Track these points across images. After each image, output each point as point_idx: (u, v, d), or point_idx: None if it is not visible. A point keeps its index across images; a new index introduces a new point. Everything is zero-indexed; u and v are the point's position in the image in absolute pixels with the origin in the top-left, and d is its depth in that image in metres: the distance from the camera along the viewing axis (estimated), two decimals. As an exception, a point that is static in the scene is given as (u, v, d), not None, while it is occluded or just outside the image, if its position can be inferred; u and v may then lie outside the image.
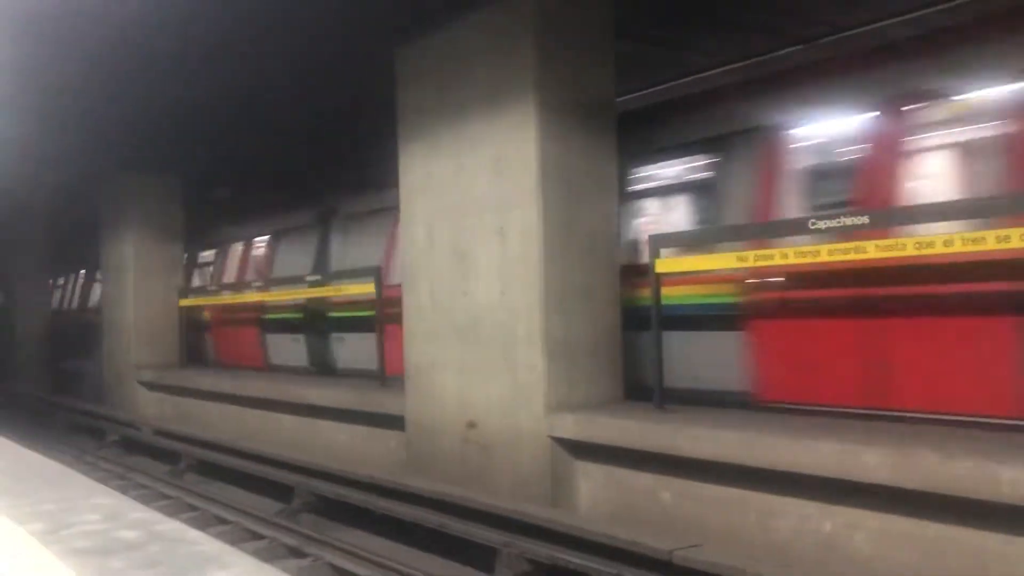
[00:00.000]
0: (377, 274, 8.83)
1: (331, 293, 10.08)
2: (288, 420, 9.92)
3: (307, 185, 12.33)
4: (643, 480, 5.89)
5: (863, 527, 4.71)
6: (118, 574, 3.11)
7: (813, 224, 5.28)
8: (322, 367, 10.96)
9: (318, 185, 11.83)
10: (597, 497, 6.25)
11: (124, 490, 8.87)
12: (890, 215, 5.23)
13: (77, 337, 17.37)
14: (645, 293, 6.29)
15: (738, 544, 5.23)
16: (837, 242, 5.26)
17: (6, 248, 19.63)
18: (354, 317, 9.94)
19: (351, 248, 10.70)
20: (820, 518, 4.91)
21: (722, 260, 5.92)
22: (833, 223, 5.16)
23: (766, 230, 5.94)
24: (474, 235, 6.81)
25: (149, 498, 8.99)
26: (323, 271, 10.75)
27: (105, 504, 4.30)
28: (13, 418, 15.40)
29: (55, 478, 5.16)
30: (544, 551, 5.60)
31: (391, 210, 9.24)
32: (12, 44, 7.88)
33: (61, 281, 20.29)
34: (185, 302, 13.03)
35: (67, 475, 5.39)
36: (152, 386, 13.12)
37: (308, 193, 11.86)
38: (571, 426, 6.15)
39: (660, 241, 6.15)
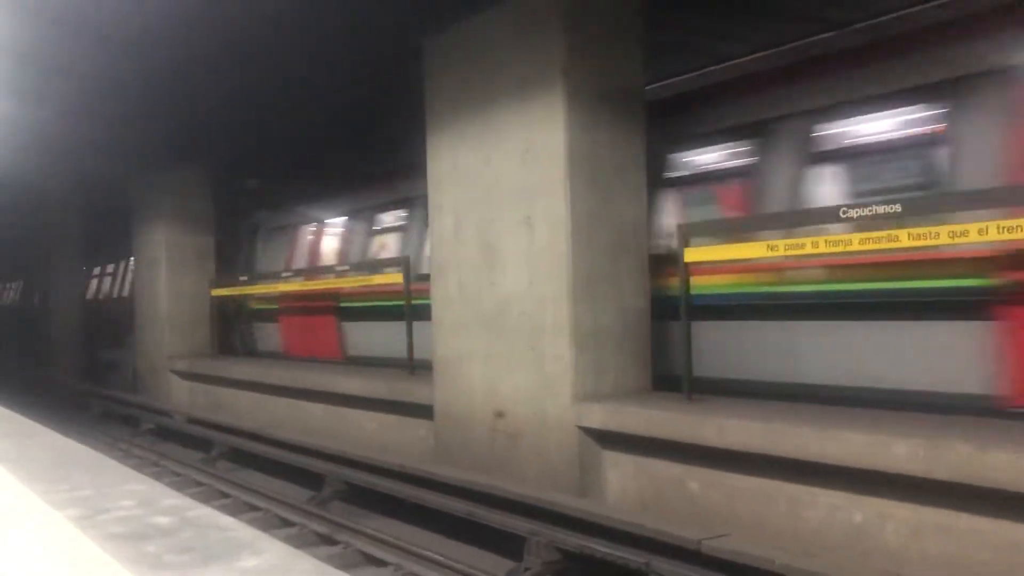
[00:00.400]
0: (406, 264, 8.87)
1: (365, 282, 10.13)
2: (318, 409, 10.01)
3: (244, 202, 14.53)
4: (671, 470, 5.88)
5: (894, 518, 4.68)
6: (153, 559, 3.17)
7: (844, 213, 5.24)
8: (249, 350, 13.49)
9: (251, 202, 14.18)
10: (625, 486, 6.25)
11: (158, 477, 9.01)
12: (924, 202, 5.19)
13: (111, 327, 17.64)
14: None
15: (767, 534, 5.21)
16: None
17: (41, 240, 19.96)
18: (266, 309, 12.80)
19: (267, 254, 13.33)
20: (850, 508, 4.88)
21: (752, 249, 5.88)
22: (865, 211, 5.11)
23: (796, 218, 5.89)
24: (501, 225, 6.81)
25: (182, 485, 9.13)
26: (251, 271, 13.34)
27: (139, 490, 4.37)
28: (49, 406, 15.68)
29: (91, 464, 5.26)
30: (572, 540, 5.63)
31: (291, 226, 12.70)
32: (44, 39, 8.00)
33: (95, 272, 20.60)
34: (217, 292, 13.18)
35: (102, 462, 5.48)
36: (184, 375, 13.30)
37: (245, 209, 14.30)
38: (599, 416, 6.15)
39: (690, 230, 6.12)
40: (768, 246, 5.70)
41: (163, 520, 3.70)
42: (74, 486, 4.41)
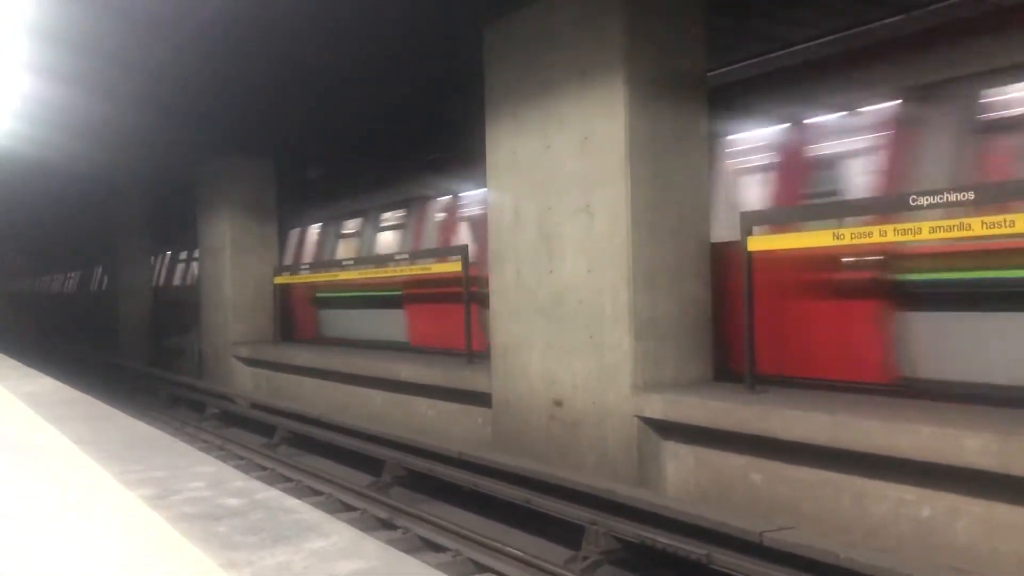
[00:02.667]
0: (464, 253, 8.91)
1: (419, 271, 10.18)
2: (378, 396, 10.14)
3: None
4: (733, 461, 5.82)
5: (965, 514, 4.56)
6: (223, 539, 3.24)
7: (914, 200, 5.10)
8: None
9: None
10: (685, 477, 6.21)
11: (223, 460, 9.22)
12: (997, 190, 5.01)
13: (177, 314, 18.09)
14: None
15: (831, 528, 5.12)
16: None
17: (110, 229, 20.54)
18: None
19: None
20: (918, 503, 4.77)
21: (818, 238, 5.77)
22: (937, 199, 4.97)
23: (862, 207, 5.76)
24: (560, 214, 6.80)
25: (246, 469, 9.32)
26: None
27: (208, 472, 4.48)
28: (119, 390, 16.15)
29: (162, 447, 5.40)
30: (631, 530, 5.60)
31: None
32: (114, 34, 8.21)
33: (161, 260, 21.14)
34: (280, 280, 13.41)
35: (173, 444, 5.63)
36: (248, 361, 13.58)
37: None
38: (658, 406, 6.11)
39: (752, 219, 6.03)
40: (834, 234, 5.59)
41: (232, 501, 3.79)
42: (147, 467, 4.54)
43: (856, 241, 5.50)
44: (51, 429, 5.84)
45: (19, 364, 12.23)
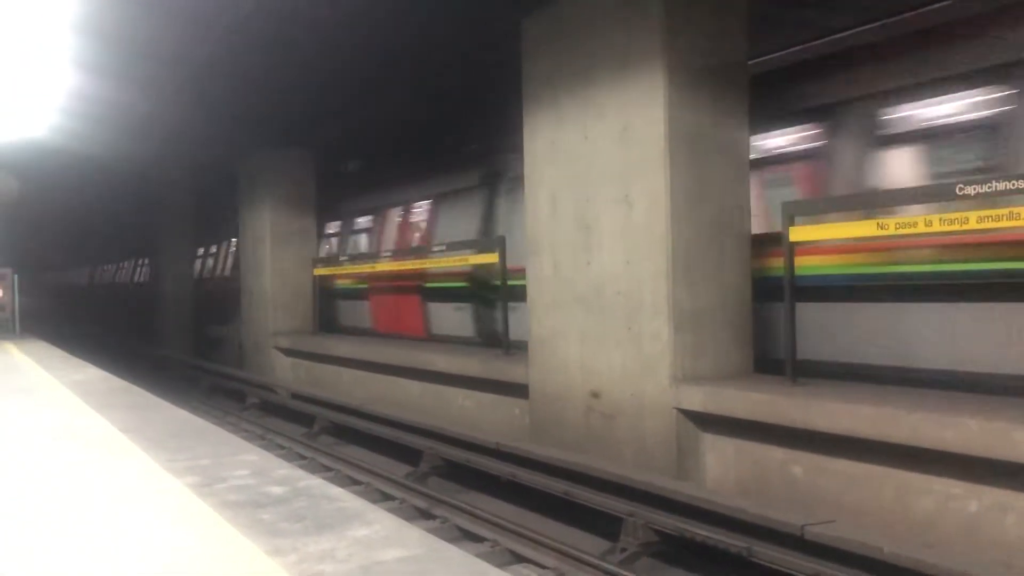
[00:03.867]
0: (502, 245, 8.90)
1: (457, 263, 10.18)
2: (416, 386, 10.20)
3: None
4: (773, 454, 5.77)
5: (1014, 509, 4.47)
6: (268, 526, 3.29)
7: (960, 190, 4.99)
8: None
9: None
10: (724, 470, 6.16)
11: (265, 449, 9.33)
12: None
13: (218, 305, 18.33)
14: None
15: (873, 522, 5.06)
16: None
17: (155, 221, 20.87)
18: None
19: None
20: (965, 498, 4.69)
21: (861, 228, 5.68)
22: (984, 188, 4.86)
23: (907, 196, 5.66)
24: (599, 204, 6.77)
25: (287, 458, 9.42)
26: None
27: (252, 461, 4.55)
28: (162, 380, 16.42)
29: (206, 435, 5.50)
30: (670, 522, 5.58)
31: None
32: (154, 29, 8.33)
33: (204, 252, 21.42)
34: (320, 271, 13.53)
35: (217, 433, 5.73)
36: (288, 352, 13.72)
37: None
38: (698, 398, 6.07)
39: (794, 208, 5.95)
40: (878, 225, 5.50)
41: (276, 489, 3.84)
42: (192, 456, 4.62)
43: (900, 232, 5.41)
44: (99, 417, 5.96)
45: (67, 355, 12.50)
